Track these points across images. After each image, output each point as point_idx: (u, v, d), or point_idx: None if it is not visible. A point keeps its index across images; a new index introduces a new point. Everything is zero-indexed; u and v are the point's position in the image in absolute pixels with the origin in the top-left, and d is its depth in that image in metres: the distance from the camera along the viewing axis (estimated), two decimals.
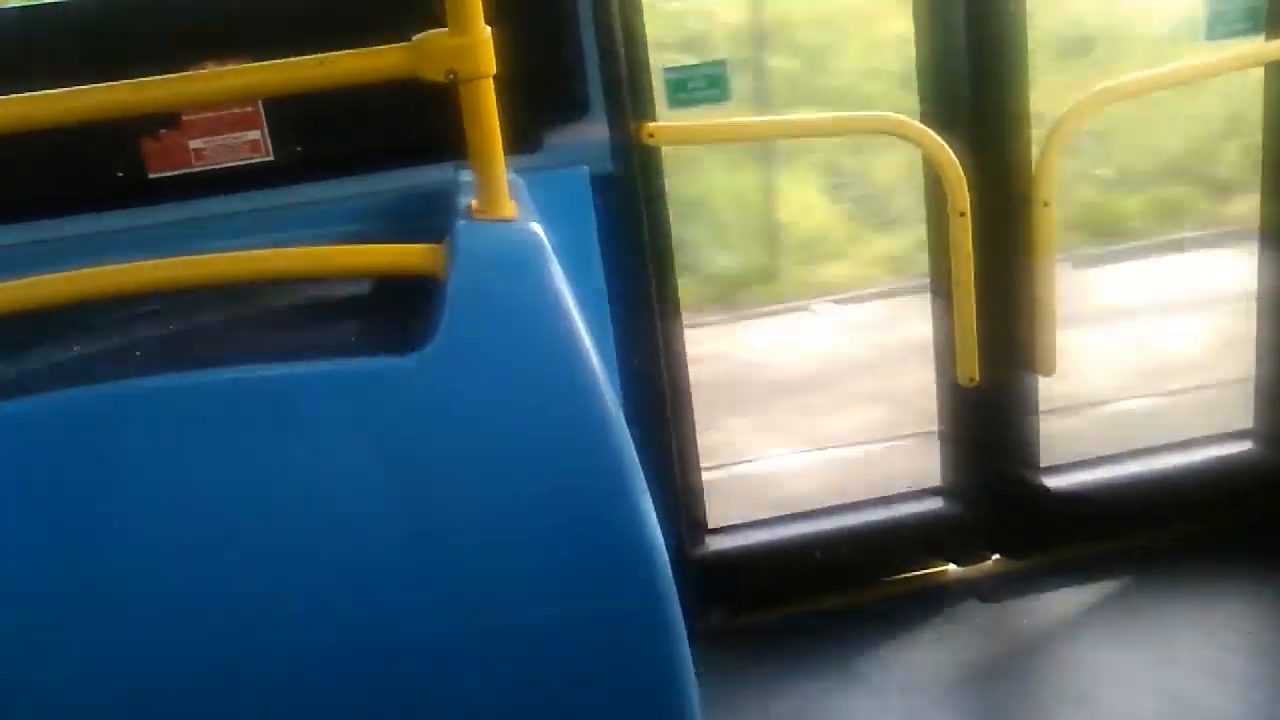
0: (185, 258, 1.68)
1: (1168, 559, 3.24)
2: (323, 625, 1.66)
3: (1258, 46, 3.03)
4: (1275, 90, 3.14)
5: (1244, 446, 3.40)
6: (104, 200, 2.30)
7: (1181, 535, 3.31)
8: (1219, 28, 3.01)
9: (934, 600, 3.19)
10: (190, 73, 1.67)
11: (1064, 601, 3.13)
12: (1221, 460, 3.37)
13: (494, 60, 1.62)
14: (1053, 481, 3.29)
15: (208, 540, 1.62)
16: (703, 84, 2.77)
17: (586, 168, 2.49)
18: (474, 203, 1.71)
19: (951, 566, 3.31)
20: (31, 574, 1.57)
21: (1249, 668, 2.88)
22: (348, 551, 1.65)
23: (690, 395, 3.02)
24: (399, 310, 1.78)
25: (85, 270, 1.65)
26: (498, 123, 1.65)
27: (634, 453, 1.69)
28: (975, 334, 2.93)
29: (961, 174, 2.82)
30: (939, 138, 2.83)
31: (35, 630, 1.58)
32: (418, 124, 1.97)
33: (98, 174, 2.30)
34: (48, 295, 1.66)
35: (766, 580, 3.20)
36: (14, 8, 2.39)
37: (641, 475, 1.70)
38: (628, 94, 2.62)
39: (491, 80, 1.63)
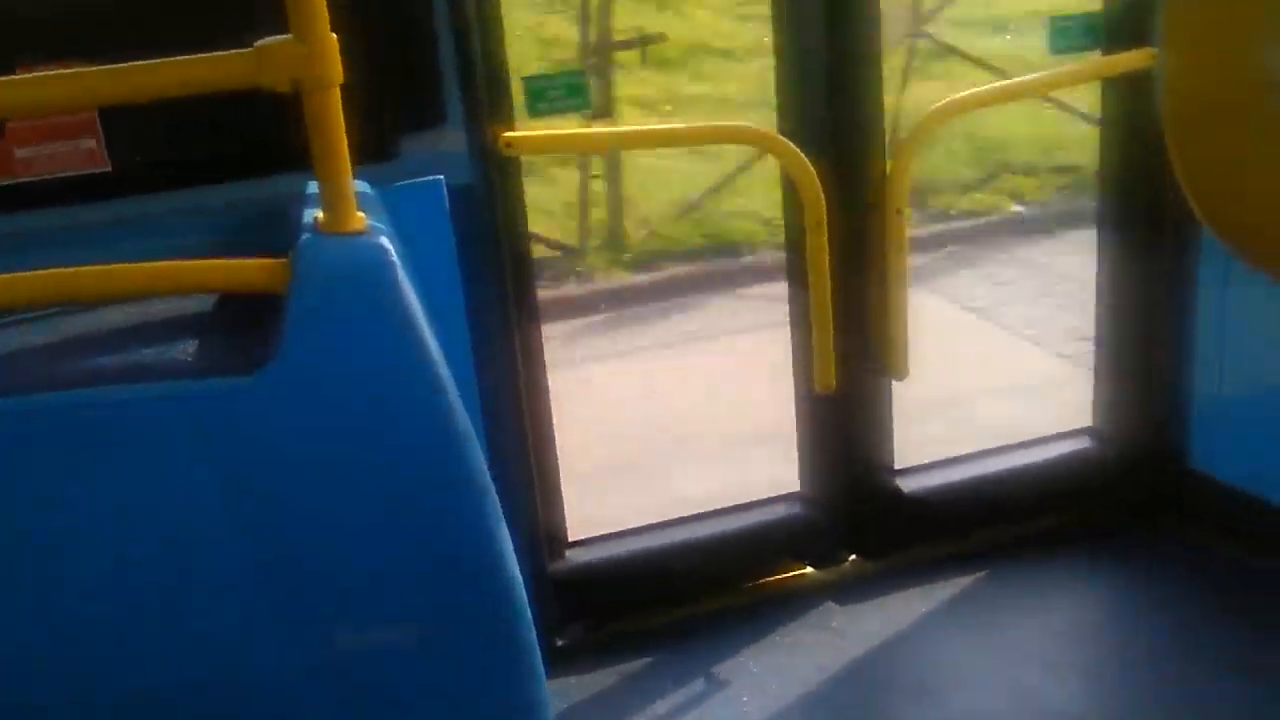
0: (11, 275, 1.60)
1: (1015, 556, 3.35)
2: (166, 651, 1.61)
3: (1097, 62, 3.17)
4: (1111, 102, 3.29)
5: (1084, 443, 3.55)
6: None
7: (1028, 532, 3.43)
8: (1061, 43, 3.14)
9: (793, 604, 3.24)
10: (16, 77, 1.60)
11: (917, 601, 3.21)
12: (1064, 457, 3.51)
13: (340, 69, 1.58)
14: (905, 483, 3.38)
15: (43, 568, 1.56)
16: (563, 92, 2.76)
17: (443, 177, 2.45)
18: (320, 215, 1.67)
19: (810, 570, 3.36)
20: None
21: (1091, 660, 3.00)
22: (190, 574, 1.61)
23: (550, 409, 3.01)
24: (244, 327, 1.73)
25: None
26: (345, 133, 1.61)
27: (485, 470, 1.68)
28: (833, 343, 2.99)
29: (819, 186, 2.86)
30: (796, 149, 2.88)
31: None
32: (265, 132, 1.91)
33: None
34: None
35: (628, 592, 3.20)
36: None
37: (493, 493, 1.69)
38: (486, 102, 2.59)
39: (338, 90, 1.59)
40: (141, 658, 1.60)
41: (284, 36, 1.56)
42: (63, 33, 2.16)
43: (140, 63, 1.56)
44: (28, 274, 1.61)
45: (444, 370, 1.65)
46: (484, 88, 2.57)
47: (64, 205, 2.20)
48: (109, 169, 2.21)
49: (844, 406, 3.22)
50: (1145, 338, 3.39)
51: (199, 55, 1.57)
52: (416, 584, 1.68)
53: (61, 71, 1.59)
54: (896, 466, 3.39)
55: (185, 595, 1.61)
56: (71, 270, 1.63)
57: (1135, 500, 3.47)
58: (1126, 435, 3.49)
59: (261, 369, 1.57)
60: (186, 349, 1.68)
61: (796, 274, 3.13)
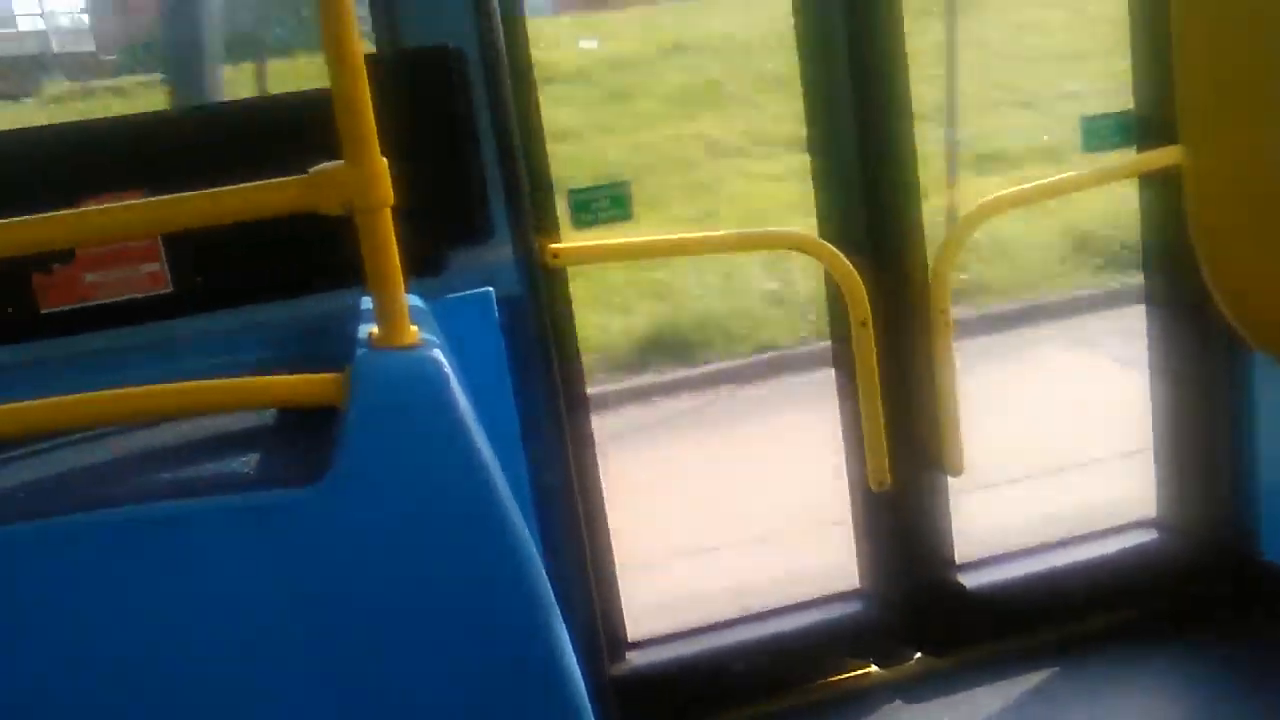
0: (80, 395, 1.66)
1: (1085, 651, 3.27)
2: None
3: (1131, 159, 3.19)
4: (1148, 198, 3.30)
5: (1149, 535, 3.48)
6: None
7: (1097, 626, 3.35)
8: (1094, 141, 3.17)
9: (858, 704, 3.18)
10: (86, 209, 1.68)
11: (985, 697, 3.14)
12: (1129, 550, 3.44)
13: (391, 191, 1.64)
14: (968, 578, 3.33)
15: (112, 685, 1.58)
16: (606, 204, 2.83)
17: (492, 290, 2.51)
18: (374, 330, 1.72)
19: (874, 668, 3.30)
20: None
21: None
22: (255, 686, 1.62)
23: (605, 513, 3.02)
24: (304, 439, 1.78)
25: None
26: (396, 251, 1.66)
27: (544, 578, 1.68)
28: (884, 440, 2.99)
29: (861, 286, 2.90)
30: (839, 252, 2.92)
31: None
32: (320, 251, 1.98)
33: None
34: None
35: (690, 694, 3.16)
36: None
37: (553, 600, 1.69)
38: (531, 215, 2.67)
39: (389, 210, 1.65)
40: None
41: (337, 163, 1.63)
42: (128, 165, 2.26)
43: (201, 192, 1.64)
44: (94, 394, 1.67)
45: (499, 480, 1.68)
46: (529, 201, 2.64)
47: (128, 325, 2.29)
48: (171, 290, 2.30)
49: (901, 502, 3.20)
50: (1204, 425, 3.34)
51: (256, 183, 1.64)
52: (478, 693, 1.68)
53: (127, 203, 1.67)
54: (959, 561, 3.35)
55: (252, 707, 1.62)
56: (137, 390, 1.68)
57: (1206, 593, 3.38)
58: (1193, 527, 3.42)
59: (320, 480, 1.61)
60: (247, 462, 1.73)
61: (844, 373, 3.14)
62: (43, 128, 2.61)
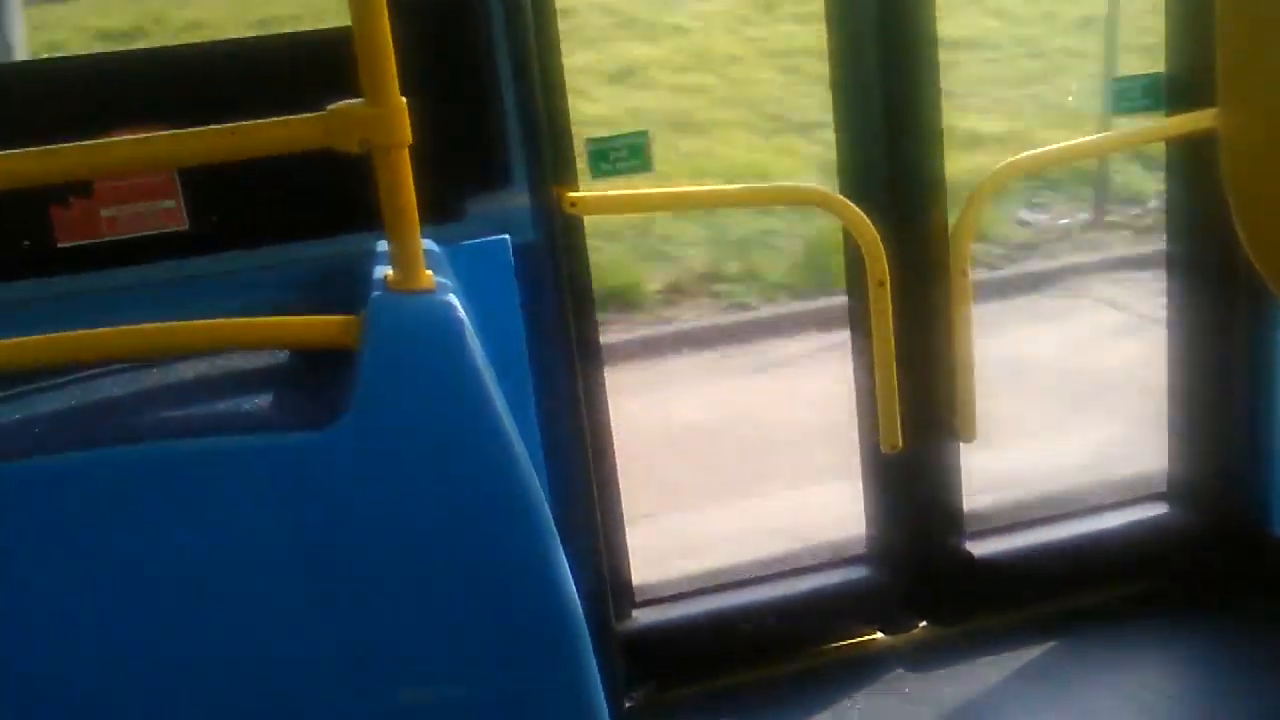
0: (94, 330, 1.65)
1: (1091, 623, 3.27)
2: (232, 700, 1.62)
3: (1162, 123, 3.14)
4: (1176, 163, 3.25)
5: (1160, 509, 3.46)
6: (9, 270, 2.25)
7: (1104, 599, 3.34)
8: (1122, 103, 3.11)
9: (862, 669, 3.18)
10: (102, 140, 1.65)
11: (990, 668, 3.13)
12: (1140, 523, 3.43)
13: (409, 130, 1.62)
14: (977, 548, 3.31)
15: (117, 618, 1.59)
16: (625, 154, 2.79)
17: (509, 237, 2.49)
18: (390, 274, 1.70)
19: (879, 635, 3.30)
20: None
21: None
22: (260, 626, 1.63)
23: (616, 465, 3.01)
24: (317, 380, 1.76)
25: None
26: (414, 193, 1.64)
27: (552, 527, 1.68)
28: (897, 402, 2.96)
29: (880, 244, 2.86)
30: (858, 209, 2.88)
31: None
32: (337, 193, 1.96)
33: (2, 243, 2.24)
34: None
35: (695, 652, 3.16)
36: None
37: (560, 550, 1.69)
38: (550, 163, 2.63)
39: (406, 150, 1.63)
40: (208, 705, 1.61)
41: (355, 100, 1.60)
42: (147, 100, 2.24)
43: (217, 126, 1.62)
44: (109, 329, 1.65)
45: (510, 427, 1.67)
46: (548, 149, 2.61)
47: (145, 263, 2.27)
48: (187, 228, 2.28)
49: (911, 467, 3.18)
50: (1220, 399, 3.31)
51: (274, 119, 1.62)
52: (483, 640, 1.68)
53: (144, 135, 1.65)
54: (968, 530, 3.34)
55: (253, 645, 1.63)
56: (151, 326, 1.67)
57: (1215, 568, 3.36)
58: (1205, 501, 3.40)
59: (333, 423, 1.60)
60: (260, 403, 1.72)
61: (859, 332, 3.11)
62: (65, 59, 2.58)
